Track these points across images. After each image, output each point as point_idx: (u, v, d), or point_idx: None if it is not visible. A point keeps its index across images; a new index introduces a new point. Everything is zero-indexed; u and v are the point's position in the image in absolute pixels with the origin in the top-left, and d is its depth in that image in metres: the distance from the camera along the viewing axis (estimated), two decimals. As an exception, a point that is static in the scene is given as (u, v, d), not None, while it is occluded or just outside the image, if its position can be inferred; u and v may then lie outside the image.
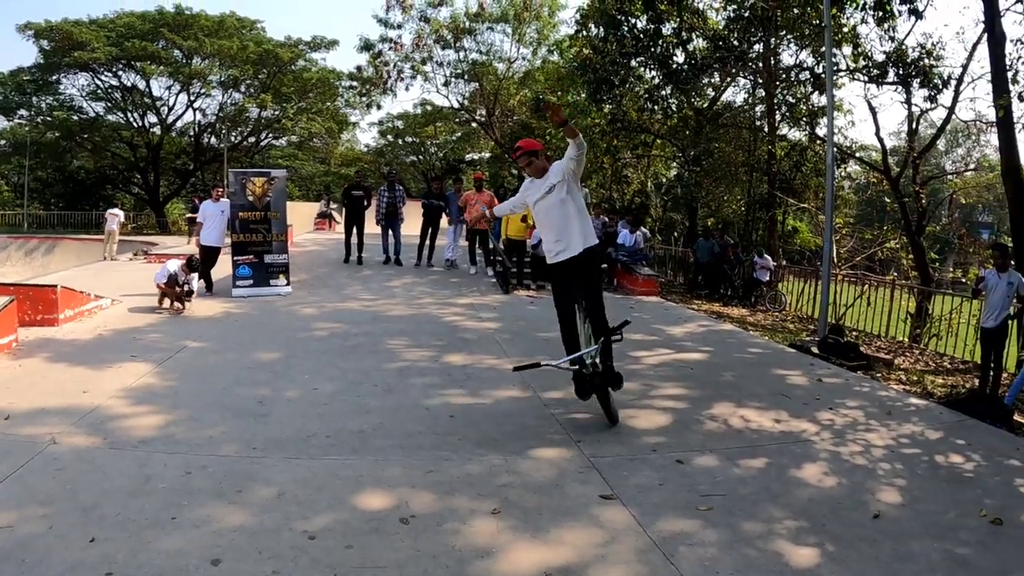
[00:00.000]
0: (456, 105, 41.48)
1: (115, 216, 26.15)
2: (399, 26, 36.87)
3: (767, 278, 19.89)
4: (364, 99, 41.13)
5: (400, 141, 57.89)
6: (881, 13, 18.27)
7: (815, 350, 11.36)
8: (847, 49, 19.83)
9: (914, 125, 21.85)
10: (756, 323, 15.57)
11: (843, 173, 24.35)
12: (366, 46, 37.68)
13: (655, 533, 4.84)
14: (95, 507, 5.07)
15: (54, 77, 47.35)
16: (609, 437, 6.70)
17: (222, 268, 15.45)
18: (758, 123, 25.00)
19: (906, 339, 15.33)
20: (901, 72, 18.82)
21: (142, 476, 5.62)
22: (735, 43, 21.88)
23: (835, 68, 16.84)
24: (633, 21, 22.72)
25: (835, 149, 14.05)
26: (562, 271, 6.93)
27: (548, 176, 6.85)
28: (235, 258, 14.98)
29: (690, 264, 23.03)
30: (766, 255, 20.34)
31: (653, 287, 16.98)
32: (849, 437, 6.85)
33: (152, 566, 4.33)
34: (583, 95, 30.37)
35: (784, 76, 22.98)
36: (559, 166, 6.81)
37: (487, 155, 51.17)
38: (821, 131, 22.09)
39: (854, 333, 14.63)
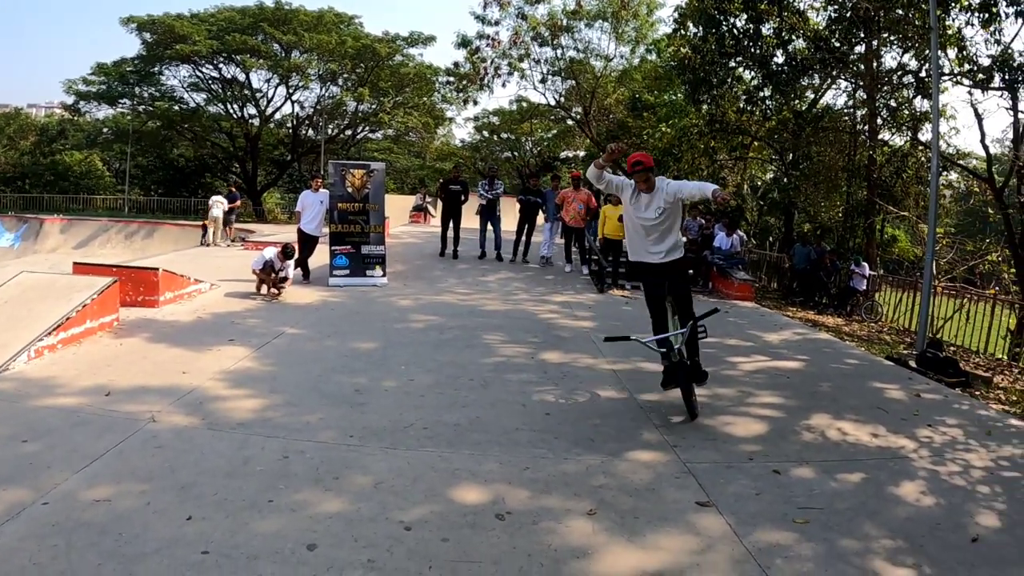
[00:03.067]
0: (552, 102, 41.29)
1: (219, 203, 26.66)
2: (496, 23, 36.74)
3: (864, 287, 19.53)
4: (460, 95, 41.15)
5: (495, 137, 57.82)
6: (987, 15, 17.67)
7: (913, 364, 11.11)
8: (951, 52, 19.19)
9: (1021, 132, 21.21)
10: (852, 333, 15.29)
11: (944, 181, 23.79)
12: (463, 42, 37.64)
13: (751, 544, 4.83)
14: (193, 486, 5.28)
15: (156, 68, 48.91)
16: (705, 443, 6.69)
17: (319, 257, 15.74)
18: (858, 127, 24.48)
19: (1005, 357, 14.76)
20: (1007, 77, 18.19)
21: (240, 458, 5.82)
22: (836, 44, 21.50)
23: (940, 72, 16.46)
24: (732, 20, 22.43)
25: (938, 156, 13.74)
26: (655, 272, 7.56)
27: (656, 196, 7.36)
28: (333, 248, 15.34)
29: (785, 270, 22.72)
30: (863, 263, 19.94)
31: (748, 292, 16.77)
32: (948, 456, 6.69)
33: (248, 547, 4.48)
34: (681, 95, 30.22)
35: (886, 79, 22.49)
36: (670, 190, 7.33)
37: (582, 153, 50.99)
38: (924, 137, 21.64)
39: (951, 348, 14.23)
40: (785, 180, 26.02)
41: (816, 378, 9.56)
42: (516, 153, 58.10)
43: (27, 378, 7.65)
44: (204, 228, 27.72)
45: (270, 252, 13.38)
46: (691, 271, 16.90)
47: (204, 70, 48.92)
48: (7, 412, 6.62)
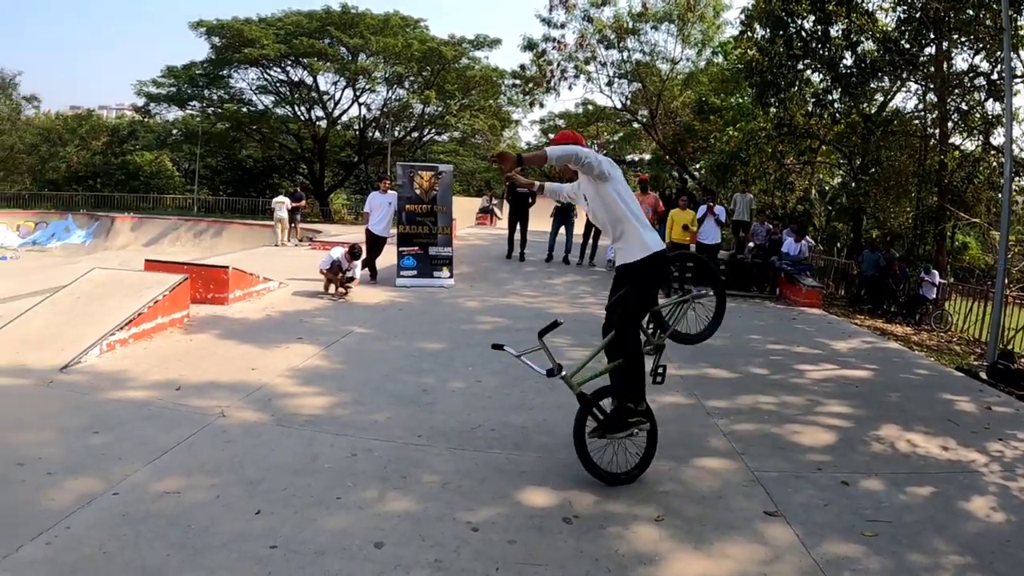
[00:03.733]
0: (619, 105, 41.09)
1: (281, 204, 26.94)
2: (562, 25, 36.80)
3: (933, 295, 19.22)
4: (527, 97, 41.38)
5: (562, 140, 57.53)
6: (1060, 14, 17.44)
7: (984, 375, 10.95)
8: (1024, 53, 19.01)
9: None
10: (921, 343, 15.04)
11: (1017, 187, 23.33)
12: (529, 45, 37.74)
13: (819, 555, 4.80)
14: (261, 481, 5.41)
15: (225, 71, 49.55)
16: (773, 451, 6.65)
17: (386, 258, 15.89)
18: (929, 131, 24.12)
19: (1080, 369, 14.48)
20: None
21: (308, 455, 5.94)
22: (906, 46, 21.25)
23: (1013, 74, 16.15)
24: (800, 22, 22.23)
25: (1012, 161, 13.51)
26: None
27: (581, 180, 5.90)
28: (400, 249, 15.44)
29: (853, 277, 22.44)
30: (933, 271, 19.60)
31: (816, 299, 16.59)
32: (1019, 471, 6.59)
33: (315, 543, 4.56)
34: (748, 98, 29.96)
35: (957, 82, 22.14)
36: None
37: (648, 156, 50.75)
38: (996, 141, 21.28)
39: (1023, 359, 14.06)
40: (854, 185, 25.69)
41: (885, 388, 9.43)
42: (583, 156, 57.86)
43: (99, 371, 7.85)
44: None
45: (337, 252, 13.55)
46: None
47: (272, 73, 49.55)
48: (79, 404, 6.81)
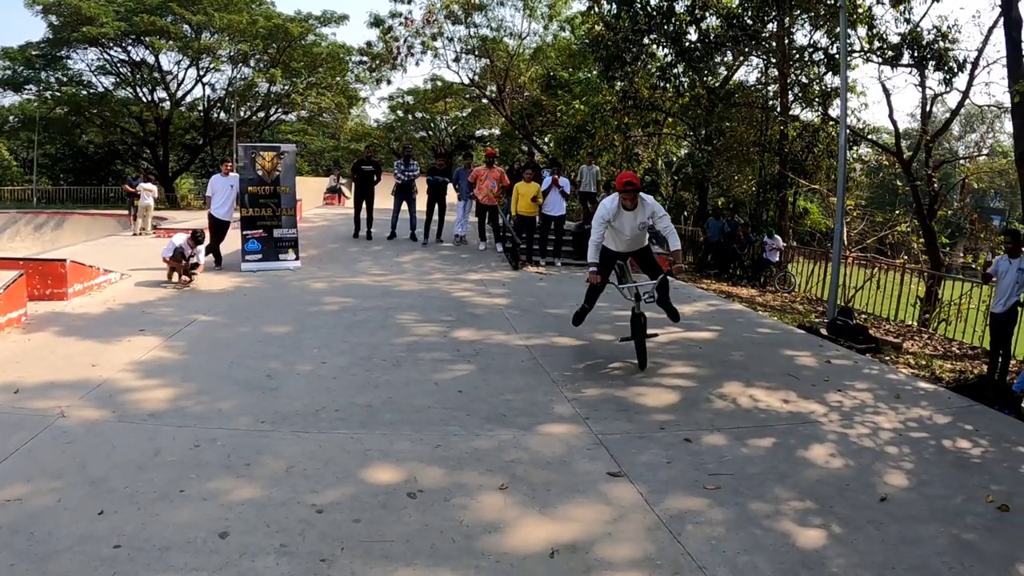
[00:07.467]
0: (467, 81, 41.27)
1: (150, 191, 25.85)
2: (409, 1, 36.55)
3: (777, 259, 19.75)
4: (374, 74, 40.82)
5: (410, 116, 57.60)
6: (897, -7, 18.07)
7: (824, 332, 11.33)
8: (862, 30, 19.53)
9: (928, 108, 21.59)
10: (765, 303, 15.50)
11: (855, 155, 24.14)
12: (376, 22, 37.37)
13: (662, 511, 4.90)
14: (104, 480, 5.18)
15: (63, 52, 47.04)
16: (617, 414, 6.75)
17: (231, 243, 15.42)
18: (771, 103, 24.75)
19: (915, 323, 15.18)
20: (916, 55, 18.54)
21: (151, 449, 5.72)
22: (748, 22, 21.69)
23: (849, 49, 16.65)
24: (646, -2, 22.53)
25: (848, 131, 13.94)
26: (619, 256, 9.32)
27: (640, 212, 8.54)
28: (244, 232, 14.96)
29: (700, 243, 23.00)
30: (776, 236, 20.14)
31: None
32: (857, 419, 6.86)
33: (160, 539, 4.41)
34: (595, 72, 30.26)
35: (797, 56, 22.76)
36: (652, 209, 8.55)
37: (497, 131, 51.00)
38: (834, 112, 21.93)
39: (863, 316, 14.54)
40: (699, 155, 26.25)
41: (728, 347, 9.71)
42: (431, 132, 57.89)
43: (-69, 381, 7.40)
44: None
45: (180, 239, 13.06)
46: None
47: (112, 53, 47.54)
48: (-89, 417, 6.39)
